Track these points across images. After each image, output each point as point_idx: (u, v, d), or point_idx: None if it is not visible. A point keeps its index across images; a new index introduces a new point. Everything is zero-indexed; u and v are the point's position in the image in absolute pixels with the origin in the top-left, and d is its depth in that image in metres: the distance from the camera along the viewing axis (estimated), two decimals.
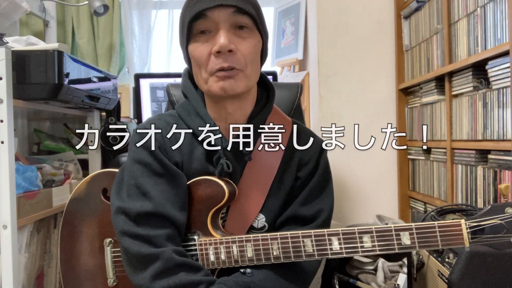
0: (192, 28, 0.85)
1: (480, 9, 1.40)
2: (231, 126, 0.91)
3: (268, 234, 0.83)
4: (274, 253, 0.82)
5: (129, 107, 2.27)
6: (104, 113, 1.87)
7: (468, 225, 0.73)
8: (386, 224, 1.85)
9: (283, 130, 0.95)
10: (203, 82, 0.87)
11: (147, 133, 0.90)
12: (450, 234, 0.74)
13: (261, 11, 0.90)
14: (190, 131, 0.92)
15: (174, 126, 0.92)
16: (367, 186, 2.08)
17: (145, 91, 2.11)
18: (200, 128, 0.90)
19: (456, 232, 0.74)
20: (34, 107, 1.36)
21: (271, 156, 0.94)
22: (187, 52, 0.88)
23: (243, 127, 0.91)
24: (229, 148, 0.89)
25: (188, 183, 0.90)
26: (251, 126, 0.91)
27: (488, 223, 0.73)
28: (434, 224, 0.75)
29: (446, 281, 0.98)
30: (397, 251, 0.77)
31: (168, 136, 0.91)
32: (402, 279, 1.46)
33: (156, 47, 2.58)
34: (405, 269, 1.51)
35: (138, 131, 0.91)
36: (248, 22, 0.85)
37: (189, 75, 0.97)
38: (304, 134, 0.98)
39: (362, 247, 0.78)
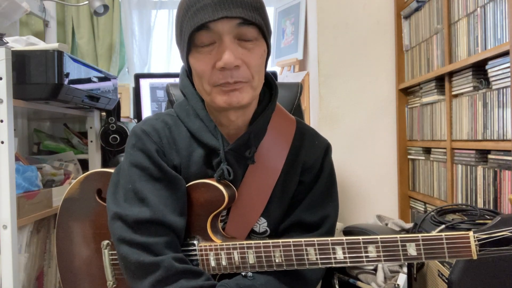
0: (193, 38, 0.78)
1: (480, 9, 1.40)
2: (232, 129, 0.88)
3: (270, 241, 0.81)
4: (277, 260, 0.80)
5: (129, 107, 2.27)
6: (104, 113, 1.87)
7: (477, 237, 0.72)
8: (386, 224, 1.86)
9: (287, 129, 0.92)
10: (205, 93, 0.82)
11: (145, 135, 0.86)
12: (457, 246, 0.72)
13: (267, 15, 0.84)
14: (189, 133, 0.88)
15: (173, 127, 0.89)
16: (367, 186, 2.07)
17: (145, 91, 2.11)
18: (199, 131, 0.86)
19: (464, 245, 0.72)
20: (34, 107, 1.36)
21: (274, 158, 0.90)
22: (187, 60, 0.83)
23: (245, 129, 0.88)
24: (228, 150, 0.85)
25: (186, 185, 0.87)
26: (253, 128, 0.87)
27: (497, 235, 0.71)
28: (441, 235, 0.73)
29: (446, 281, 0.98)
30: (402, 261, 0.75)
31: (166, 137, 0.87)
32: (402, 279, 1.46)
33: (156, 47, 2.58)
34: (405, 269, 1.51)
35: (135, 132, 0.87)
36: (255, 32, 0.79)
37: (187, 73, 0.91)
38: (309, 134, 0.95)
39: (367, 256, 0.76)
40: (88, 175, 1.00)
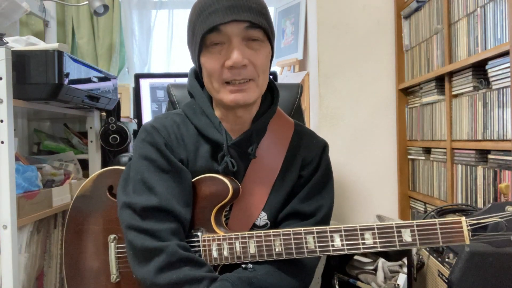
0: (204, 39, 0.86)
1: (480, 9, 1.40)
2: (236, 125, 0.94)
3: (271, 230, 0.84)
4: (277, 250, 0.84)
5: (129, 107, 2.27)
6: (104, 113, 1.87)
7: (469, 222, 0.74)
8: None
9: (286, 131, 0.97)
10: (215, 91, 0.89)
11: (154, 130, 0.92)
12: (450, 232, 0.75)
13: (271, 19, 0.91)
14: (196, 130, 0.94)
15: (181, 125, 0.95)
16: (367, 186, 2.08)
17: (145, 91, 2.10)
18: (205, 126, 0.93)
19: (456, 230, 0.75)
20: (34, 107, 1.36)
21: (274, 156, 0.96)
22: (198, 60, 0.89)
23: (247, 126, 0.94)
24: (231, 145, 0.91)
25: (192, 180, 0.92)
26: (255, 126, 0.94)
27: (488, 221, 0.74)
28: (435, 221, 0.76)
29: (446, 281, 0.98)
30: (398, 248, 0.77)
31: (175, 134, 0.93)
32: (402, 279, 1.46)
33: (156, 47, 2.58)
34: (405, 269, 1.51)
35: (145, 128, 0.93)
36: (260, 35, 0.87)
37: (195, 74, 0.98)
38: (307, 135, 1.01)
39: (363, 243, 0.79)
40: (102, 172, 1.03)
